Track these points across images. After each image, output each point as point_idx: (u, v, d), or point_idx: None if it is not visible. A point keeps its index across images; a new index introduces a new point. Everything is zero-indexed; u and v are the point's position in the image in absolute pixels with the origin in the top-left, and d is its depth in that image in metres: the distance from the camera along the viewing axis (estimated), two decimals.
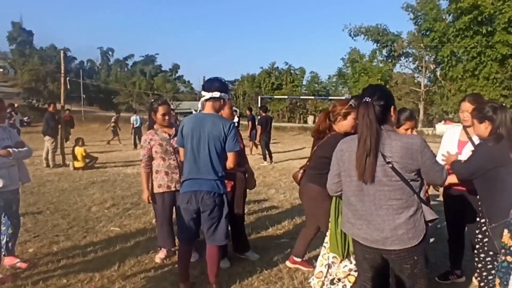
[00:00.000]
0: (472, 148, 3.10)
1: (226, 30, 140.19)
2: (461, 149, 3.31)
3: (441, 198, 4.22)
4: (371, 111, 2.11)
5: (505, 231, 2.52)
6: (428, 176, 2.18)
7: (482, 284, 2.95)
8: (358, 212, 2.23)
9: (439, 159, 2.99)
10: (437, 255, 4.16)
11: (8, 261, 3.87)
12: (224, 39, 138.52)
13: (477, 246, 2.97)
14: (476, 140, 3.15)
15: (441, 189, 3.83)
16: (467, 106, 3.26)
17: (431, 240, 4.45)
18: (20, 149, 3.69)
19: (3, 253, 3.83)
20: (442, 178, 2.25)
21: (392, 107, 2.22)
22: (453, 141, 3.42)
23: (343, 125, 3.24)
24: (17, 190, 3.84)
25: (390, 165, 2.08)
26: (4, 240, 3.85)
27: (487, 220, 2.80)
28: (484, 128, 2.86)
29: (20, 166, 3.83)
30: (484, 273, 2.92)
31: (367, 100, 2.15)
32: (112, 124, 18.31)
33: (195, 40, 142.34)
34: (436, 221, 2.25)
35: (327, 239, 3.16)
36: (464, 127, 3.37)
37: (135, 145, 16.05)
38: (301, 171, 3.64)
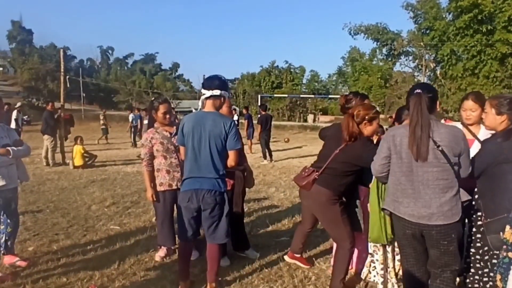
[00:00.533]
0: (479, 145, 3.05)
1: (226, 28, 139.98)
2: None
3: None
4: (423, 101, 2.46)
5: (507, 227, 2.51)
6: (461, 163, 2.50)
7: (467, 280, 2.95)
8: (407, 191, 2.53)
9: None
10: None
11: (7, 259, 3.87)
12: (224, 37, 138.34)
13: (469, 240, 2.96)
14: (482, 137, 3.07)
15: None
16: (470, 105, 3.21)
17: None
18: (18, 147, 3.70)
19: (2, 251, 3.84)
20: (467, 172, 2.59)
21: (438, 101, 2.61)
22: None
23: (368, 130, 3.18)
24: (15, 188, 3.85)
25: (440, 148, 2.41)
26: (3, 239, 3.85)
27: (483, 215, 2.78)
28: (501, 121, 2.78)
29: (18, 164, 3.85)
30: (472, 270, 2.91)
31: (418, 92, 2.50)
32: (102, 122, 18.23)
33: (195, 39, 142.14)
34: (467, 202, 2.60)
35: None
36: (466, 126, 3.34)
37: (135, 144, 16.03)
38: (311, 173, 3.30)
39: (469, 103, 3.22)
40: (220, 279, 3.44)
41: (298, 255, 3.89)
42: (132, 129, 16.75)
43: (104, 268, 3.80)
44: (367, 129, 3.17)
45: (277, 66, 50.73)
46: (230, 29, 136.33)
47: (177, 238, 3.74)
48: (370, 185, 3.11)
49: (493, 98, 2.91)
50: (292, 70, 50.66)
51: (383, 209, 2.79)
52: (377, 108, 3.25)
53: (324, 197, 3.24)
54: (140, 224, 5.31)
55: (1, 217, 3.78)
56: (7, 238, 3.88)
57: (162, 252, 4.12)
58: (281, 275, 3.71)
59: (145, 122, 14.68)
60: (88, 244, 4.49)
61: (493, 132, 2.89)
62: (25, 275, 3.65)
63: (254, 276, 3.67)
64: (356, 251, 3.55)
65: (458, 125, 3.47)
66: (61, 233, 4.93)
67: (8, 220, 3.84)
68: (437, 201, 2.43)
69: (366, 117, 3.13)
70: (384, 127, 4.10)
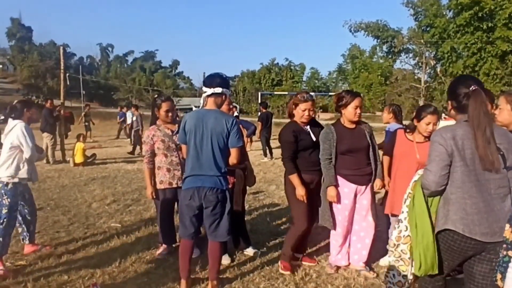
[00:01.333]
0: None
1: (226, 26, 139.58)
2: None
3: None
4: (485, 99, 2.10)
5: (507, 225, 2.50)
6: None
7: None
8: (478, 205, 2.09)
9: None
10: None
11: (29, 249, 4.10)
12: (224, 35, 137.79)
13: None
14: None
15: None
16: None
17: None
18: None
19: (26, 241, 4.10)
20: None
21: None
22: None
23: (296, 112, 3.67)
24: (26, 183, 4.12)
25: (501, 152, 2.09)
26: (25, 229, 4.11)
27: None
28: None
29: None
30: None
31: (477, 88, 2.12)
32: (85, 118, 17.80)
33: (195, 36, 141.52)
34: None
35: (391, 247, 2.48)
36: None
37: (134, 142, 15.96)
38: None
39: None
40: (221, 276, 3.44)
41: (300, 255, 3.90)
42: (129, 126, 16.64)
43: (105, 265, 3.80)
44: (295, 113, 3.70)
45: (277, 63, 50.70)
46: (230, 27, 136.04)
47: (178, 236, 3.74)
48: (407, 199, 2.43)
49: (510, 93, 2.83)
50: (292, 67, 50.61)
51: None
52: (302, 96, 3.64)
53: (285, 178, 3.71)
54: (141, 222, 5.31)
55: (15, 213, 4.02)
56: (28, 228, 4.12)
57: (163, 249, 4.12)
58: (282, 272, 3.71)
59: (134, 118, 14.67)
60: (89, 242, 4.50)
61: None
62: (26, 273, 3.65)
63: (255, 274, 3.68)
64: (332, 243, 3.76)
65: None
66: (62, 231, 4.94)
67: (24, 212, 4.09)
68: (503, 213, 2.10)
69: (294, 102, 3.67)
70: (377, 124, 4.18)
